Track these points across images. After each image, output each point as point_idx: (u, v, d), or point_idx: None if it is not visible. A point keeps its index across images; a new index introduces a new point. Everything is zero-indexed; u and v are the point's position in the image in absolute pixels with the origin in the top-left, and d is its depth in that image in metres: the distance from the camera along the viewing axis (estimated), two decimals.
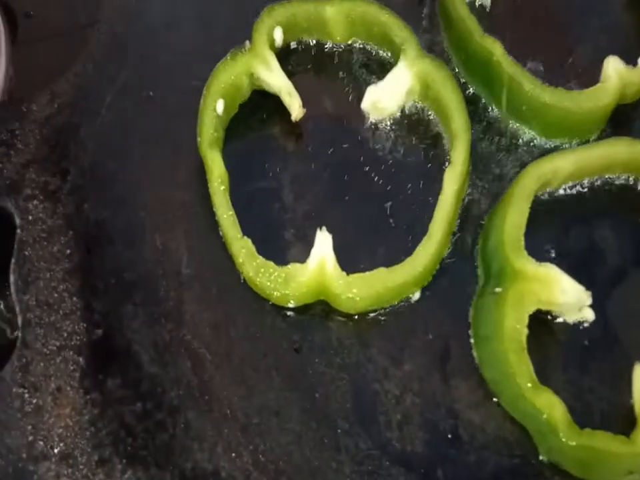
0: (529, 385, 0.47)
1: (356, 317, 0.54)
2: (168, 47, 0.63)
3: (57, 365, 0.51)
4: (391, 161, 0.59)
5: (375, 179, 0.59)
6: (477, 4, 0.65)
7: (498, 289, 0.51)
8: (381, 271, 0.53)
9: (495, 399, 0.51)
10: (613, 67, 0.59)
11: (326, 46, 0.63)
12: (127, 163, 0.59)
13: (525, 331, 0.49)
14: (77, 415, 0.50)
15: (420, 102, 0.60)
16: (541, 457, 0.50)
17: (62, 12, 0.69)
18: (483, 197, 0.57)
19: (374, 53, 0.63)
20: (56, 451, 0.49)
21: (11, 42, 0.67)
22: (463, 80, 0.62)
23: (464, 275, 0.55)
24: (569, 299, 0.50)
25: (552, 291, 0.50)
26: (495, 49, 0.58)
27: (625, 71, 0.59)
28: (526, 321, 0.49)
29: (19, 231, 0.55)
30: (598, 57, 0.60)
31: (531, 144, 0.59)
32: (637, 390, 0.48)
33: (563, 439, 0.46)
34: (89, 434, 0.49)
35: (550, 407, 0.46)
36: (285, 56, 0.61)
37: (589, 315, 0.51)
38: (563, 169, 0.55)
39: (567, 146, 0.59)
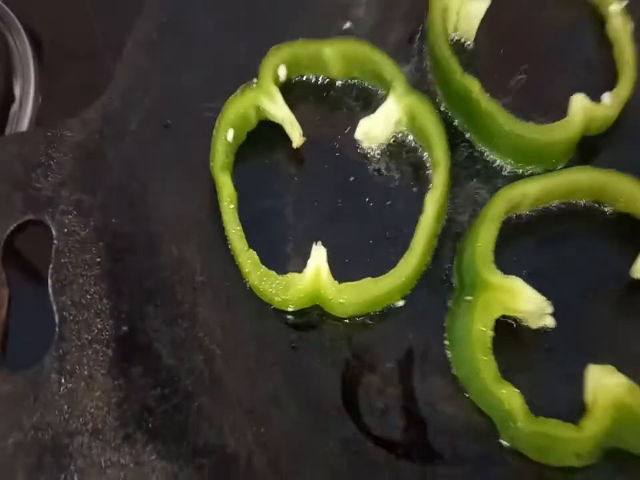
0: (493, 380, 0.51)
1: (347, 320, 0.57)
2: (185, 82, 0.65)
3: (88, 355, 0.55)
4: (381, 184, 0.62)
5: (367, 200, 0.61)
6: (462, 42, 0.67)
7: (469, 298, 0.55)
8: (368, 281, 0.56)
9: (465, 393, 0.54)
10: (579, 103, 0.61)
11: (325, 81, 0.66)
12: (149, 183, 0.62)
13: (491, 334, 0.53)
14: (106, 397, 0.54)
15: (407, 132, 0.63)
16: (503, 443, 0.53)
17: (86, 42, 0.73)
18: (461, 217, 0.60)
19: (367, 88, 0.65)
20: (88, 427, 0.53)
21: (39, 67, 0.71)
22: (448, 112, 0.65)
23: (442, 286, 0.58)
24: (530, 307, 0.54)
25: (515, 300, 0.54)
26: (474, 86, 0.61)
27: (590, 106, 0.61)
28: (492, 325, 0.53)
29: (55, 241, 0.59)
30: (569, 93, 0.62)
31: (506, 171, 0.62)
32: (588, 387, 0.52)
33: (520, 426, 0.50)
34: (116, 413, 0.53)
35: (510, 398, 0.50)
36: (289, 90, 0.64)
37: (550, 322, 0.55)
38: (530, 194, 0.59)
39: (538, 172, 0.62)
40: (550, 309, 0.55)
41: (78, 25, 0.76)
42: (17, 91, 0.71)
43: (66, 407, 0.53)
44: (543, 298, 0.54)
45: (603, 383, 0.51)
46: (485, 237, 0.56)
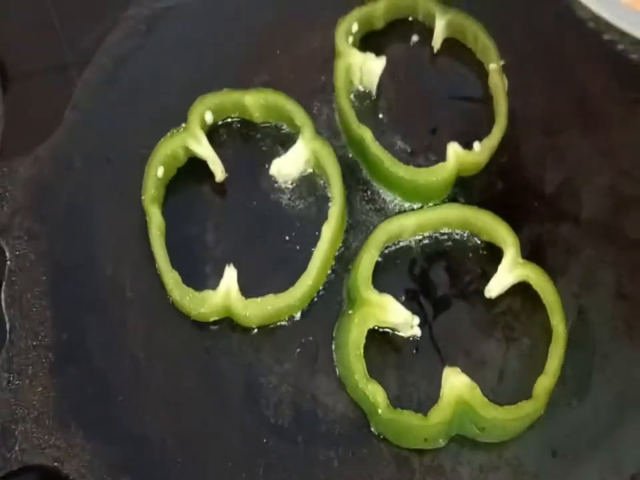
0: (363, 378, 0.59)
1: (253, 329, 0.64)
2: (126, 124, 0.71)
3: (33, 357, 0.61)
4: (291, 214, 0.68)
5: (278, 227, 0.68)
6: (367, 93, 0.73)
7: (350, 311, 0.62)
8: (270, 297, 0.63)
9: (343, 389, 0.61)
10: (453, 149, 0.68)
11: (247, 124, 0.71)
12: (90, 212, 0.67)
13: (363, 341, 0.60)
14: (46, 392, 0.60)
15: (314, 170, 0.70)
16: (371, 429, 0.61)
17: (38, 91, 0.76)
18: (356, 244, 0.67)
19: (283, 130, 0.71)
20: (31, 416, 0.59)
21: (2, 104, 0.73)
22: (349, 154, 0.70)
23: (334, 301, 0.65)
24: (398, 319, 0.62)
25: (386, 314, 0.61)
26: (366, 135, 0.68)
27: (462, 153, 0.68)
28: (365, 333, 0.60)
29: (8, 262, 0.64)
30: (453, 139, 0.68)
31: (393, 204, 0.69)
32: (444, 386, 0.59)
33: (382, 415, 0.58)
34: (53, 405, 0.59)
35: (374, 393, 0.58)
36: (215, 131, 0.70)
37: (417, 332, 0.63)
38: (407, 226, 0.66)
39: (418, 206, 0.68)
40: (416, 321, 0.63)
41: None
42: None
43: (13, 399, 0.59)
44: (409, 312, 0.63)
45: (450, 381, 0.60)
46: (365, 262, 0.63)
